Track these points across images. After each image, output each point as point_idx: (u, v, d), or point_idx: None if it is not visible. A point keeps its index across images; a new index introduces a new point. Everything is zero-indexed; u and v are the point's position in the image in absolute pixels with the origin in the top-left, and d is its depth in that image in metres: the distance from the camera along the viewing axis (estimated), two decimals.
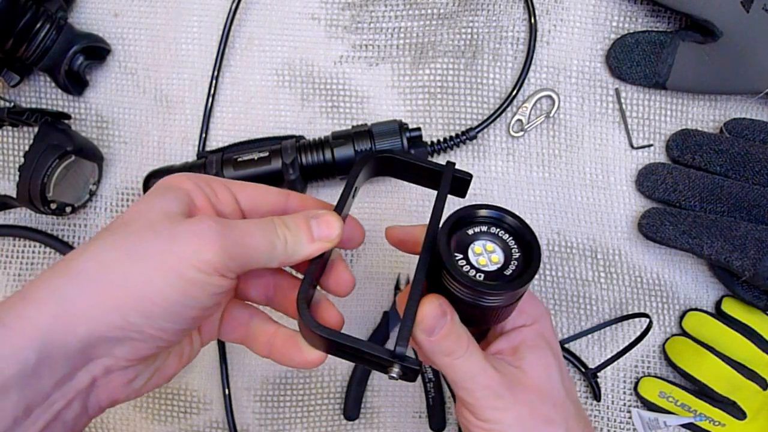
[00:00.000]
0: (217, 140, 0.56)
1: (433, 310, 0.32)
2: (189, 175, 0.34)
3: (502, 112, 0.54)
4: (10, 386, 0.26)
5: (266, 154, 0.51)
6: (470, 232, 0.34)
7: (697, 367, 0.52)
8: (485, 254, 0.33)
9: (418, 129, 0.52)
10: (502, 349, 0.37)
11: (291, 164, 0.50)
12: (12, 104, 0.53)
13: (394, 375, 0.31)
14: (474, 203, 0.35)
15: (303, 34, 0.56)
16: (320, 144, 0.51)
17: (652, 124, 0.55)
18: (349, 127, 0.53)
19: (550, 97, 0.55)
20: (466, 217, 0.34)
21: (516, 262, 0.33)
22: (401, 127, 0.51)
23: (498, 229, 0.34)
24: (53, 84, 0.55)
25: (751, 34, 0.50)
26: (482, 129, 0.53)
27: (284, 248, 0.32)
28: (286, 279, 0.38)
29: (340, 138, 0.51)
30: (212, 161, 0.51)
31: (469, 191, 0.55)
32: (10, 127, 0.56)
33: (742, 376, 0.51)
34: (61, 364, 0.27)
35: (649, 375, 0.54)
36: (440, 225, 0.33)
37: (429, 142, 0.53)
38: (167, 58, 0.56)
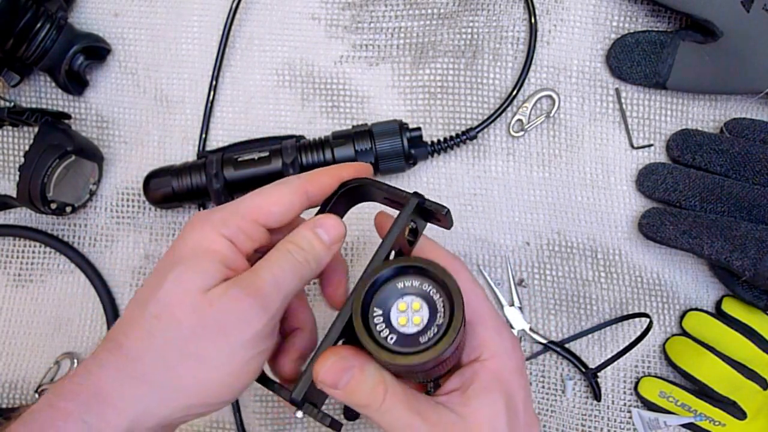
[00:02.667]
0: (217, 140, 0.56)
1: (330, 365, 0.31)
2: (216, 225, 0.33)
3: (502, 112, 0.54)
4: None
5: (266, 154, 0.51)
6: (400, 285, 0.31)
7: (697, 367, 0.52)
8: (409, 313, 0.31)
9: (419, 129, 0.52)
10: (452, 388, 0.34)
11: (291, 164, 0.50)
12: (12, 104, 0.53)
13: (298, 416, 0.32)
14: (412, 258, 0.32)
15: (303, 34, 0.56)
16: (320, 144, 0.51)
17: (653, 124, 0.55)
18: (350, 127, 0.53)
19: (550, 97, 0.55)
20: (398, 269, 0.31)
21: (436, 329, 0.30)
22: (401, 126, 0.51)
23: (431, 287, 0.31)
24: (53, 84, 0.55)
25: (751, 34, 0.50)
26: (482, 129, 0.53)
27: (310, 269, 0.33)
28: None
29: (340, 138, 0.51)
30: (212, 161, 0.51)
31: (469, 191, 0.55)
32: (10, 127, 0.56)
33: (742, 376, 0.51)
34: None
35: (650, 375, 0.53)
36: (367, 275, 0.31)
37: (429, 142, 0.53)
38: (167, 57, 0.56)
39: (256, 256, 0.34)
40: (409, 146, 0.51)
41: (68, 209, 0.53)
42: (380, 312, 0.31)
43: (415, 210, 0.34)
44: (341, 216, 0.37)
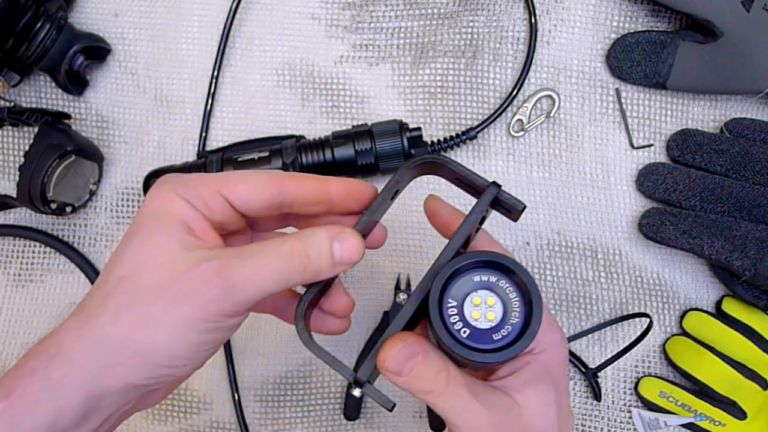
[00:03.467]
0: (217, 140, 0.56)
1: (396, 352, 0.31)
2: (176, 187, 0.32)
3: (502, 112, 0.54)
4: (66, 430, 0.30)
5: (266, 153, 0.51)
6: (477, 278, 0.31)
7: (697, 367, 0.52)
8: (483, 308, 0.31)
9: (419, 129, 0.52)
10: (505, 375, 0.34)
11: (291, 164, 0.50)
12: (12, 104, 0.53)
13: (356, 394, 0.32)
14: (492, 252, 0.32)
15: (303, 34, 0.56)
16: (320, 144, 0.51)
17: (653, 124, 0.55)
18: (350, 127, 0.53)
19: (550, 96, 0.55)
20: (477, 263, 0.31)
21: (510, 327, 0.31)
22: (401, 126, 0.51)
23: (508, 284, 0.31)
24: (53, 84, 0.55)
25: (751, 33, 0.50)
26: (482, 129, 0.53)
27: (301, 276, 0.32)
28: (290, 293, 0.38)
29: (340, 138, 0.51)
30: (212, 161, 0.51)
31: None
32: (10, 127, 0.56)
33: (742, 376, 0.51)
34: (105, 409, 0.31)
35: (650, 375, 0.53)
36: (446, 263, 0.31)
37: (429, 142, 0.53)
38: (167, 57, 0.56)
39: (225, 236, 0.34)
40: (409, 146, 0.51)
41: (68, 209, 0.53)
42: (454, 303, 0.31)
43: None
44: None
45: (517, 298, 0.31)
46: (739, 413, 0.51)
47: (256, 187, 0.33)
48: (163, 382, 0.32)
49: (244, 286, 0.30)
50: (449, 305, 0.31)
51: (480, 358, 0.30)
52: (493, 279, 0.31)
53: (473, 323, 0.31)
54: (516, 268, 0.30)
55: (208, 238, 0.32)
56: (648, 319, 0.51)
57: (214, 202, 0.33)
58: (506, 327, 0.31)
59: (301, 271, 0.31)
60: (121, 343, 0.30)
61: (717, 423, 0.51)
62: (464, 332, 0.31)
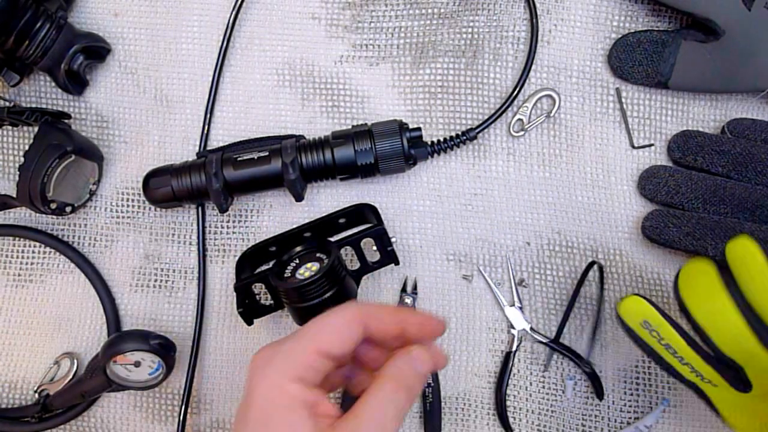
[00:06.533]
0: (217, 140, 0.56)
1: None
2: (279, 367, 0.33)
3: (502, 112, 0.54)
4: None
5: (266, 153, 0.51)
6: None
7: (704, 309, 0.39)
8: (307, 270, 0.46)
9: (419, 129, 0.52)
10: None
11: (291, 164, 0.50)
12: (12, 104, 0.53)
13: None
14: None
15: (303, 34, 0.56)
16: (320, 144, 0.51)
17: (653, 124, 0.55)
18: (349, 127, 0.52)
19: (550, 96, 0.55)
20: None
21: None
22: (401, 126, 0.51)
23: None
24: (53, 83, 0.55)
25: (753, 32, 0.50)
26: (483, 129, 0.53)
27: (410, 403, 0.35)
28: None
29: (340, 138, 0.51)
30: (212, 161, 0.51)
31: (469, 191, 0.55)
32: (10, 127, 0.56)
33: (757, 339, 0.38)
34: None
35: (638, 295, 0.43)
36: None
37: (429, 142, 0.53)
38: (167, 57, 0.56)
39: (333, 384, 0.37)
40: (409, 146, 0.51)
41: (68, 209, 0.53)
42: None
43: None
44: None
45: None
46: (739, 383, 0.40)
47: (345, 335, 0.35)
48: None
49: None
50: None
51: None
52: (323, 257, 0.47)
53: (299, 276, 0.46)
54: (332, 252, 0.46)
55: (327, 411, 0.33)
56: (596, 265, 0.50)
57: (318, 364, 0.34)
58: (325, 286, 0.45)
59: (410, 398, 0.34)
60: None
61: (706, 380, 0.40)
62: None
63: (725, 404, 0.40)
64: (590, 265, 0.52)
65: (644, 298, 0.42)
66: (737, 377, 0.40)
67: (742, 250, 0.38)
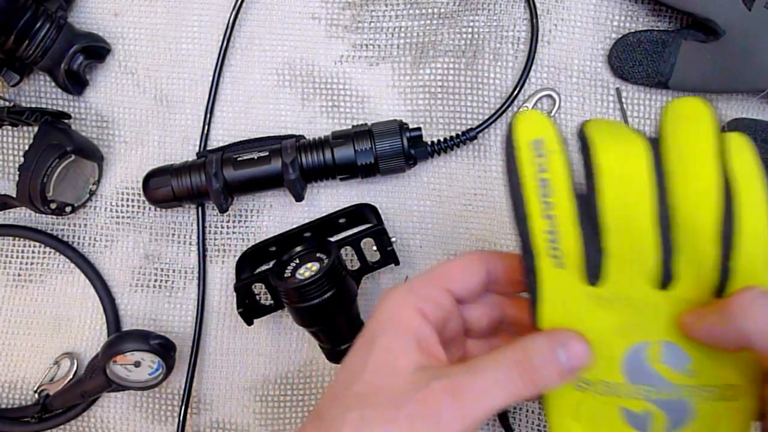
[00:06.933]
0: (217, 140, 0.56)
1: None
2: (406, 294, 0.33)
3: (503, 112, 0.54)
4: None
5: (266, 153, 0.51)
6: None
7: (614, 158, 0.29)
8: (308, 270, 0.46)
9: (419, 129, 0.52)
10: None
11: (291, 164, 0.50)
12: (12, 104, 0.53)
13: None
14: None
15: (303, 34, 0.56)
16: (320, 144, 0.51)
17: (653, 124, 0.55)
18: (350, 127, 0.52)
19: (550, 96, 0.55)
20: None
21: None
22: (401, 127, 0.51)
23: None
24: (53, 83, 0.55)
25: (753, 32, 0.50)
26: (483, 129, 0.53)
27: (530, 389, 0.30)
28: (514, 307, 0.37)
29: (340, 138, 0.51)
30: (212, 161, 0.51)
31: (470, 191, 0.55)
32: (9, 127, 0.56)
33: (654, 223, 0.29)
34: None
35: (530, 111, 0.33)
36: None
37: (429, 142, 0.53)
38: (167, 57, 0.56)
39: (446, 341, 0.34)
40: (409, 146, 0.51)
41: (68, 209, 0.53)
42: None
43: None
44: None
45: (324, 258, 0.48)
46: (594, 269, 0.30)
47: (468, 272, 0.34)
48: None
49: (476, 406, 0.29)
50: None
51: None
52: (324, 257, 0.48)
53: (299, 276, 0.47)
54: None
55: (436, 355, 0.32)
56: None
57: (442, 299, 0.33)
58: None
59: (529, 384, 0.30)
60: None
61: (556, 255, 0.30)
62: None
63: (557, 295, 0.31)
64: None
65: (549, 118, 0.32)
66: (595, 257, 0.30)
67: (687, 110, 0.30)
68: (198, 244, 0.55)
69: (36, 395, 0.54)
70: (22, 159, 0.50)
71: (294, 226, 0.52)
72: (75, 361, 0.55)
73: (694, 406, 0.30)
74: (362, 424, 0.30)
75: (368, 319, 0.34)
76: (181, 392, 0.53)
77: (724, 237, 0.29)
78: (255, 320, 0.51)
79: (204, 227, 0.55)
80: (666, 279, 0.30)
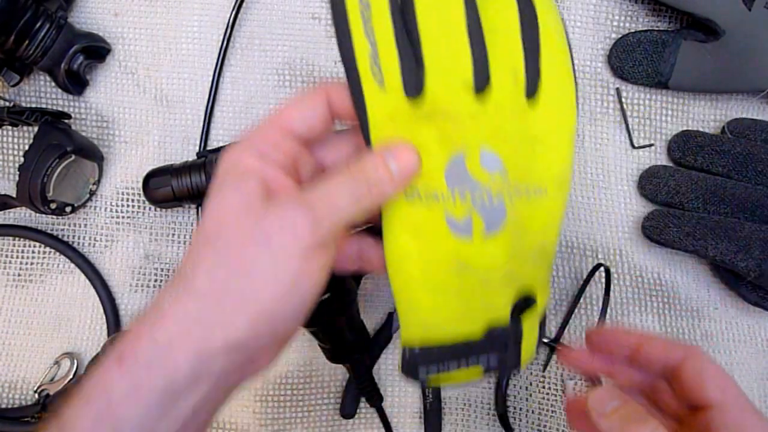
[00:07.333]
0: (217, 140, 0.56)
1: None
2: (243, 143, 0.33)
3: None
4: (180, 394, 0.30)
5: None
6: None
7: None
8: None
9: None
10: None
11: None
12: (12, 104, 0.53)
13: None
14: None
15: (304, 34, 0.56)
16: None
17: (653, 124, 0.55)
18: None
19: None
20: None
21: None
22: None
23: None
24: (53, 83, 0.55)
25: (753, 32, 0.50)
26: None
27: (369, 196, 0.32)
28: (367, 240, 0.38)
29: None
30: (212, 160, 0.51)
31: None
32: (9, 127, 0.56)
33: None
34: (212, 374, 0.31)
35: None
36: None
37: None
38: (167, 57, 0.56)
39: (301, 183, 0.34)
40: None
41: (68, 209, 0.53)
42: None
43: None
44: None
45: None
46: (413, 83, 0.31)
47: (308, 107, 0.34)
48: (263, 340, 0.31)
49: (326, 213, 0.31)
50: None
51: None
52: None
53: None
54: None
55: (284, 185, 0.32)
56: (603, 268, 0.50)
57: (281, 141, 0.33)
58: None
59: (366, 187, 0.31)
60: (218, 298, 0.30)
61: (378, 76, 0.31)
62: None
63: (383, 114, 0.32)
64: (596, 267, 0.52)
65: None
66: (416, 72, 0.31)
67: None
68: None
69: (36, 395, 0.54)
70: (22, 159, 0.50)
71: None
72: (75, 361, 0.54)
73: (506, 207, 0.32)
74: (215, 262, 0.30)
75: (212, 178, 0.33)
76: None
77: (529, 40, 0.31)
78: None
79: None
80: (481, 85, 0.31)
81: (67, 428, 0.29)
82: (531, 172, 0.33)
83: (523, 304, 0.35)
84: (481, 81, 0.31)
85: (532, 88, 0.32)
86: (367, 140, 0.32)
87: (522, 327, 0.35)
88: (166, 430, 0.29)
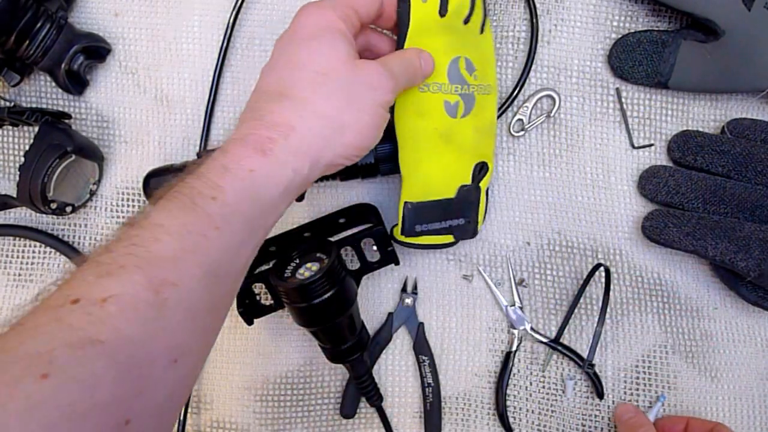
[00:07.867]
0: (217, 140, 0.56)
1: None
2: (333, 10, 0.40)
3: (503, 112, 0.54)
4: (291, 192, 0.39)
5: None
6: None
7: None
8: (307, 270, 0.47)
9: None
10: None
11: None
12: (12, 104, 0.53)
13: None
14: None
15: None
16: None
17: (653, 124, 0.55)
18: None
19: (550, 96, 0.55)
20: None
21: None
22: None
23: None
24: (53, 84, 0.55)
25: (753, 32, 0.50)
26: None
27: (412, 77, 0.44)
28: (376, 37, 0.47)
29: None
30: None
31: None
32: (10, 127, 0.56)
33: None
34: (311, 180, 0.40)
35: None
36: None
37: None
38: (168, 57, 0.56)
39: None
40: None
41: (68, 209, 0.53)
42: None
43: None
44: None
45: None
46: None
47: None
48: (343, 162, 0.40)
49: (398, 79, 0.42)
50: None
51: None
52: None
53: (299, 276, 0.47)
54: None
55: (361, 53, 0.43)
56: (603, 268, 0.52)
57: (354, 18, 0.41)
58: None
59: (413, 69, 0.44)
60: (333, 119, 0.38)
61: None
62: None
63: (419, 23, 0.45)
64: (596, 267, 0.52)
65: None
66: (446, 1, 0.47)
67: None
68: None
69: None
70: (22, 159, 0.50)
71: (294, 226, 0.52)
72: None
73: (475, 97, 0.47)
74: (331, 93, 0.38)
75: (299, 21, 0.41)
76: None
77: None
78: (255, 320, 0.51)
79: None
80: (468, 17, 0.47)
81: (209, 184, 0.35)
82: (485, 75, 0.48)
83: (480, 171, 0.49)
84: (469, 15, 0.47)
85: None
86: (402, 41, 0.45)
87: (480, 190, 0.49)
88: (272, 220, 0.38)
